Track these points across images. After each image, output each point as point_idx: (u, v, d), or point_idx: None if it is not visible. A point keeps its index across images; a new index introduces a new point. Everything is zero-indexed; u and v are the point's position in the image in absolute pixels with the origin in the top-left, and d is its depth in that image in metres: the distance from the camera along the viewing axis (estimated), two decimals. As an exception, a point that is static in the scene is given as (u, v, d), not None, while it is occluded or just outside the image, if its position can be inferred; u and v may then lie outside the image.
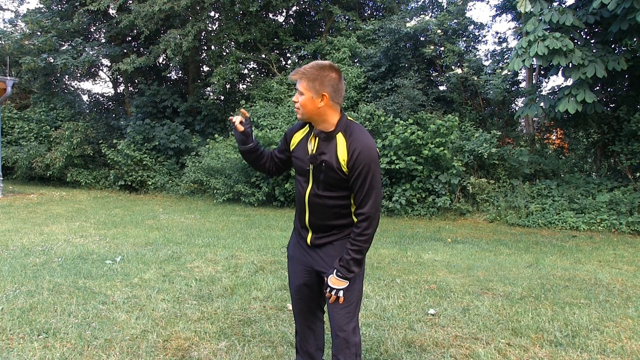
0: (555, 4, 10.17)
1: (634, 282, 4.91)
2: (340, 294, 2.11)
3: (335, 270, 2.11)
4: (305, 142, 2.19)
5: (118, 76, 17.43)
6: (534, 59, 8.63)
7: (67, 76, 17.02)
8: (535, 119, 12.17)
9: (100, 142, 14.52)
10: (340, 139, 2.07)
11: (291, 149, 2.26)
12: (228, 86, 16.14)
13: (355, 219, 2.13)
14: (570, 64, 8.46)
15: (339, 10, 15.02)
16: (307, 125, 2.20)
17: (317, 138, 2.12)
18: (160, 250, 5.78)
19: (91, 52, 15.02)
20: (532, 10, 8.78)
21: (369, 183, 2.04)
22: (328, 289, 2.12)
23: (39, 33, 15.39)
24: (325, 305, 2.32)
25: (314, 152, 2.11)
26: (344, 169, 2.05)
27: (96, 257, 5.37)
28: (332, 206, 2.13)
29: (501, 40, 14.01)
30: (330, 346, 3.01)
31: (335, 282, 2.10)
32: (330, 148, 2.07)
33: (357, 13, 16.13)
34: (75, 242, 6.19)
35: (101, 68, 17.72)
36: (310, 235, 2.22)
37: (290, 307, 3.75)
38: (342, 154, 2.05)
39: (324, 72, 2.05)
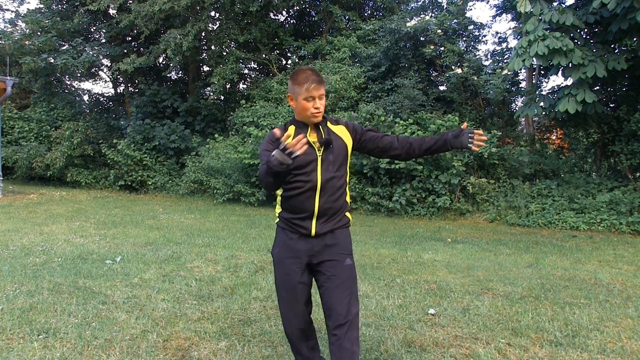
0: (555, 3, 10.16)
1: (634, 282, 4.91)
2: None
3: None
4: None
5: (118, 76, 17.44)
6: (534, 58, 8.62)
7: (67, 76, 17.04)
8: (535, 118, 12.16)
9: (100, 142, 14.54)
10: (330, 125, 2.37)
11: None
12: (228, 86, 16.15)
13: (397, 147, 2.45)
14: (570, 63, 8.45)
15: (339, 10, 15.02)
16: (290, 127, 2.34)
17: (320, 127, 2.33)
18: (160, 250, 5.79)
19: (91, 52, 15.04)
20: (532, 10, 8.77)
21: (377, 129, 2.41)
22: None
23: (39, 33, 15.40)
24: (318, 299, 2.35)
25: (324, 136, 2.29)
26: (349, 143, 2.37)
27: (96, 257, 5.37)
28: (340, 186, 2.32)
29: (501, 40, 14.03)
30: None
31: None
32: (331, 132, 2.35)
33: (357, 13, 16.13)
34: (75, 242, 6.19)
35: (101, 68, 17.73)
36: (314, 224, 2.28)
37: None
38: (342, 132, 2.37)
39: None
